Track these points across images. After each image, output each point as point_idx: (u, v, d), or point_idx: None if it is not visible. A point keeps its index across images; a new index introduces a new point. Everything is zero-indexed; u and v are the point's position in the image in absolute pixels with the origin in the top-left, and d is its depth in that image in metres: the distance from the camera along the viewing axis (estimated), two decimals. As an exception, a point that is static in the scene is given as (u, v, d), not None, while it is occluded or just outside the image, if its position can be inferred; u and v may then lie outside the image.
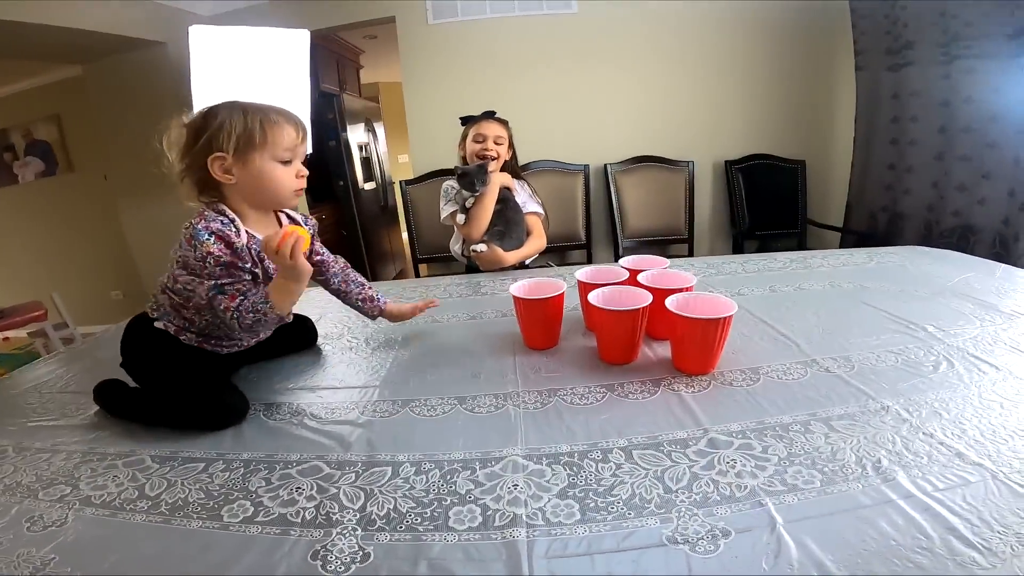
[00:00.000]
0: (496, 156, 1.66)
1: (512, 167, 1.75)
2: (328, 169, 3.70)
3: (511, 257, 1.63)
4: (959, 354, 0.88)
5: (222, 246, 0.82)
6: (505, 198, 1.63)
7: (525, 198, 1.73)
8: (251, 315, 0.81)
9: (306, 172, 0.91)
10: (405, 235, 2.90)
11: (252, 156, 0.85)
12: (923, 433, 0.67)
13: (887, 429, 0.69)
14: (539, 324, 1.00)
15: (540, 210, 1.75)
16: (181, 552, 0.57)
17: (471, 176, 1.55)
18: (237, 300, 0.82)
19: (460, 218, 1.61)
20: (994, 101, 1.89)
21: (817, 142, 2.71)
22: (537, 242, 1.72)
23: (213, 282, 0.82)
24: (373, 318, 1.13)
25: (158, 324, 0.90)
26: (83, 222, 3.30)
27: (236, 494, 0.66)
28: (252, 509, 0.63)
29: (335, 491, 0.65)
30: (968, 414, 0.71)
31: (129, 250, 3.07)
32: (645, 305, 0.87)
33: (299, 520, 0.60)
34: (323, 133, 3.57)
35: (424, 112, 2.66)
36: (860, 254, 1.51)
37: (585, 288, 1.01)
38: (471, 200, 1.58)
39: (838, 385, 0.81)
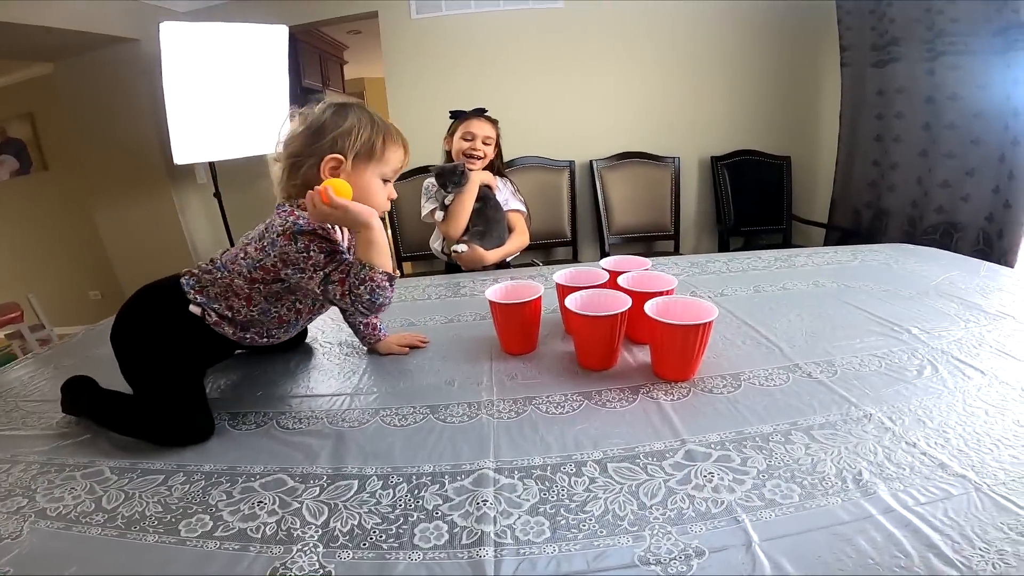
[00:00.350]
0: (483, 156, 1.65)
1: (496, 165, 1.73)
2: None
3: (492, 256, 1.61)
4: (943, 358, 0.87)
5: (320, 234, 0.81)
6: (485, 196, 1.61)
7: (507, 196, 1.72)
8: (362, 287, 0.78)
9: (395, 195, 0.92)
10: (389, 232, 2.86)
11: (365, 167, 0.85)
12: (906, 443, 0.66)
13: (869, 439, 0.67)
14: (516, 329, 0.97)
15: (522, 208, 1.74)
16: (137, 567, 0.56)
17: (446, 176, 1.54)
18: (347, 284, 0.79)
19: (439, 215, 1.59)
20: (979, 98, 1.89)
21: (802, 138, 2.70)
22: (519, 239, 1.70)
23: (322, 273, 0.80)
24: (364, 344, 1.07)
25: (194, 309, 0.86)
26: (59, 221, 3.23)
27: (195, 508, 0.63)
28: (211, 524, 0.60)
29: (297, 506, 0.62)
30: (952, 422, 0.69)
31: (105, 249, 3.00)
32: (623, 311, 0.85)
33: (259, 536, 0.58)
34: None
35: (407, 108, 2.61)
36: (844, 252, 1.50)
37: (563, 291, 0.99)
38: (450, 198, 1.56)
39: (820, 392, 0.79)
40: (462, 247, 1.57)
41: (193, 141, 2.13)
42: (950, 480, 0.59)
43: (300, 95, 3.28)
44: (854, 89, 2.38)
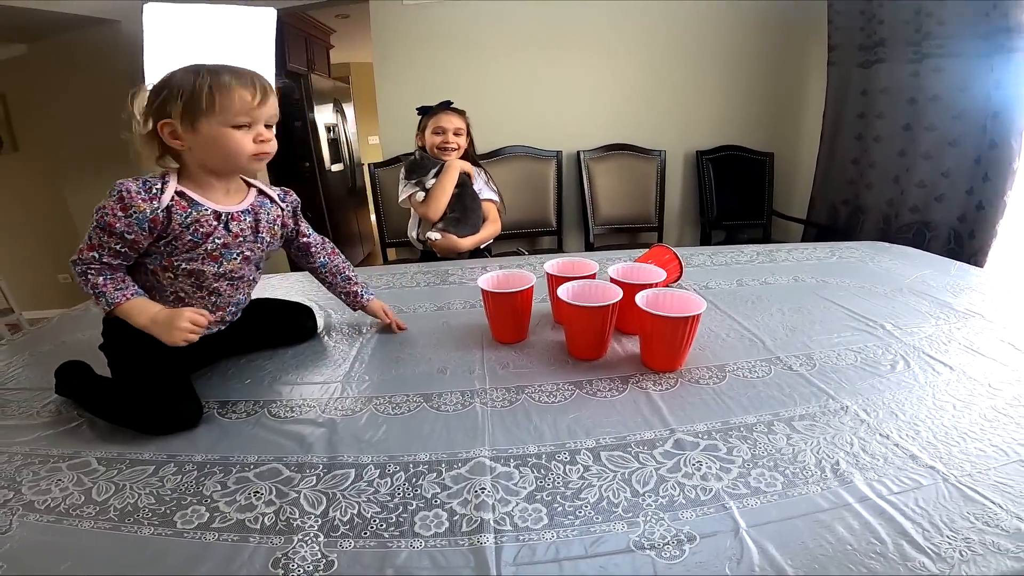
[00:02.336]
0: (456, 147, 1.69)
1: (471, 155, 1.77)
2: (294, 150, 3.58)
3: (466, 243, 1.66)
4: (915, 353, 0.91)
5: (117, 209, 0.78)
6: (463, 184, 1.66)
7: (481, 185, 1.75)
8: (90, 289, 0.80)
9: (268, 136, 0.85)
10: (373, 217, 2.84)
11: (200, 122, 0.80)
12: (880, 435, 0.69)
13: (846, 430, 0.70)
14: (508, 318, 0.99)
15: (496, 197, 1.79)
16: (134, 561, 0.55)
17: (419, 167, 1.61)
18: (91, 255, 0.79)
19: (420, 196, 1.64)
20: (959, 100, 1.94)
21: (786, 135, 2.75)
22: (492, 227, 1.76)
23: (93, 232, 0.79)
24: (354, 310, 1.12)
25: None
26: (28, 203, 3.13)
27: (189, 499, 0.63)
28: (208, 515, 0.60)
29: (295, 495, 0.63)
30: (922, 415, 0.73)
31: (77, 232, 2.92)
32: (615, 302, 0.87)
33: (258, 526, 0.58)
34: (289, 114, 3.45)
35: (395, 94, 2.58)
36: (823, 249, 1.55)
37: (554, 281, 1.00)
38: (431, 181, 1.62)
39: (800, 384, 0.82)
40: (436, 235, 1.61)
41: (172, 123, 2.07)
42: (920, 471, 0.62)
43: (285, 79, 3.23)
44: (839, 88, 2.43)
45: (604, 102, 2.66)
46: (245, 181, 0.93)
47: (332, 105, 4.02)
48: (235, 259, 0.89)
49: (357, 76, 5.32)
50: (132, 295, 0.82)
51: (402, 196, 1.70)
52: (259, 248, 0.93)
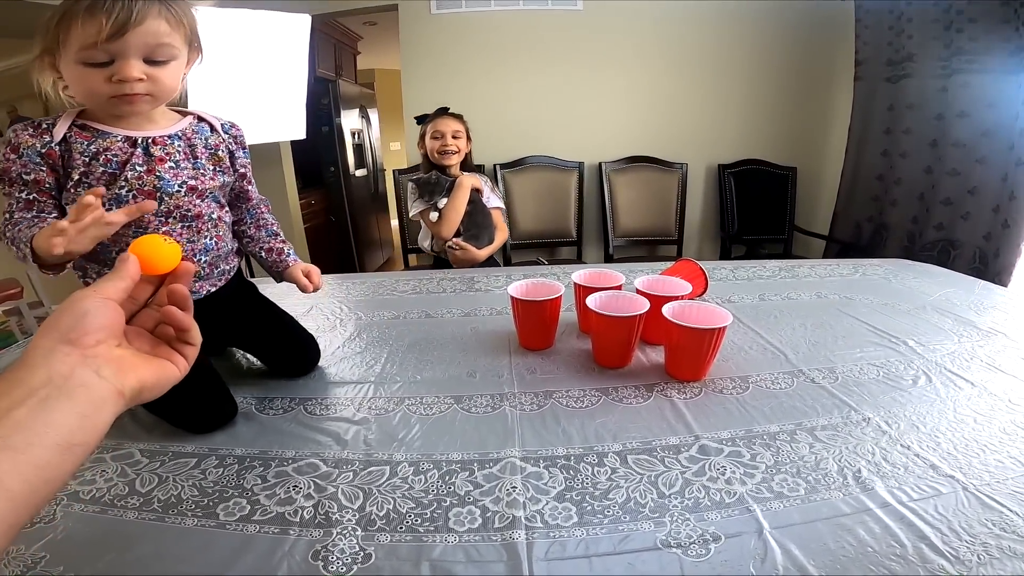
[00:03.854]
0: (456, 150, 1.72)
1: (468, 160, 1.81)
2: (319, 155, 3.66)
3: (483, 254, 1.73)
4: (937, 369, 0.92)
5: (8, 151, 0.70)
6: (474, 200, 1.69)
7: (488, 194, 1.79)
8: (14, 248, 0.68)
9: (128, 75, 0.68)
10: (395, 223, 2.89)
11: (59, 61, 0.70)
12: (901, 445, 0.71)
13: (868, 440, 0.72)
14: (536, 325, 1.01)
15: (501, 204, 1.83)
16: (178, 552, 0.56)
17: (426, 188, 1.64)
18: (4, 215, 0.70)
19: (433, 216, 1.67)
20: (988, 117, 1.93)
21: (810, 150, 2.75)
22: (502, 235, 1.81)
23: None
24: (276, 275, 0.97)
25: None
26: (63, 198, 3.24)
27: (231, 492, 0.65)
28: (249, 507, 0.62)
29: (333, 490, 0.65)
30: (943, 428, 0.74)
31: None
32: (642, 313, 0.89)
33: (298, 519, 0.60)
34: (317, 118, 3.54)
35: (421, 101, 2.63)
36: (846, 265, 1.55)
37: (581, 291, 1.03)
38: (443, 201, 1.65)
39: (822, 396, 0.84)
40: (456, 249, 1.67)
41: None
42: (940, 480, 0.64)
43: (313, 84, 3.31)
44: (866, 103, 2.43)
45: (627, 114, 2.68)
46: (177, 111, 0.83)
47: (358, 111, 4.10)
48: (178, 192, 0.77)
49: (382, 82, 5.42)
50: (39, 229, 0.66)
51: (413, 212, 1.75)
52: (205, 178, 0.80)
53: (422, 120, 1.78)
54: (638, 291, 0.98)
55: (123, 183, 0.73)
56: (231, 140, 0.86)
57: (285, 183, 3.01)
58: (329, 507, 0.62)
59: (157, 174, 0.75)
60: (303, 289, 0.94)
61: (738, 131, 2.70)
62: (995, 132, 1.93)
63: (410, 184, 1.76)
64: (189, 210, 0.79)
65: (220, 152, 0.84)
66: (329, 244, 3.76)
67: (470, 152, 1.82)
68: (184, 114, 0.82)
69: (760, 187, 2.67)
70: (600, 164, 2.64)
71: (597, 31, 2.57)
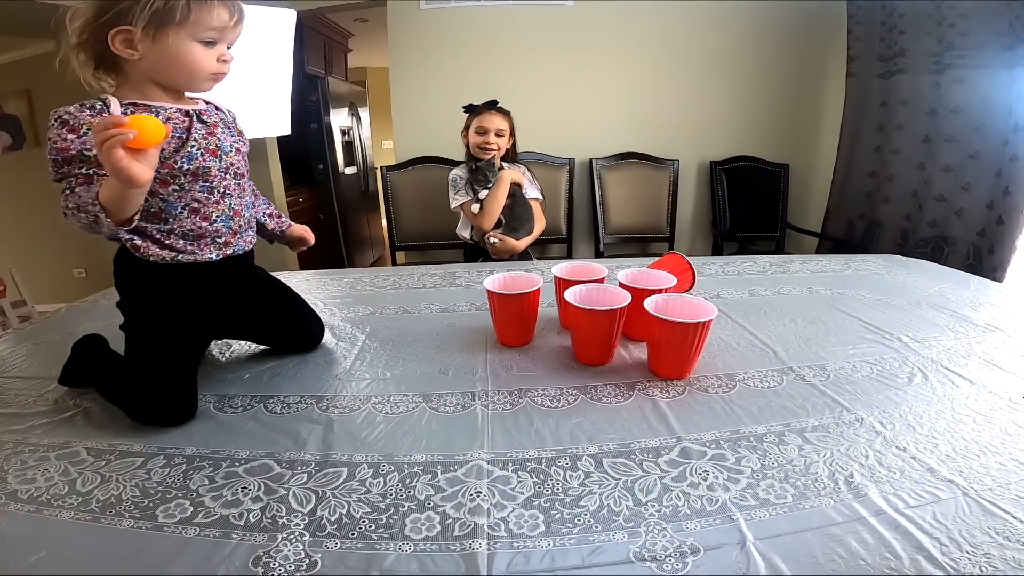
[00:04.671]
0: (497, 148, 1.72)
1: (511, 154, 1.82)
2: (308, 152, 3.60)
3: (522, 244, 1.75)
4: (933, 366, 0.87)
5: (65, 132, 0.73)
6: (514, 193, 1.71)
7: (527, 185, 1.81)
8: (83, 216, 0.69)
9: (231, 57, 0.82)
10: (384, 221, 2.84)
11: (167, 32, 0.75)
12: (896, 447, 0.66)
13: (860, 442, 0.67)
14: (513, 320, 0.96)
15: (539, 196, 1.85)
16: (111, 552, 0.53)
17: (482, 172, 1.67)
18: (66, 193, 0.71)
19: (475, 207, 1.69)
20: (981, 112, 1.90)
21: (802, 146, 2.71)
22: (540, 225, 1.81)
23: (54, 174, 0.74)
24: (271, 238, 1.08)
25: (132, 244, 0.80)
26: (48, 197, 3.15)
27: (175, 492, 0.61)
28: (191, 509, 0.59)
29: (283, 492, 0.61)
30: (941, 428, 0.70)
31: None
32: (623, 306, 0.85)
33: (242, 523, 0.56)
34: (306, 116, 3.48)
35: (410, 98, 2.59)
36: (838, 261, 1.51)
37: (562, 285, 0.98)
38: (484, 193, 1.67)
39: (813, 395, 0.79)
40: (495, 239, 1.69)
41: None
42: (939, 484, 0.59)
43: (302, 82, 3.25)
44: (858, 99, 2.39)
45: (618, 110, 2.64)
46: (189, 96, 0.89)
47: (347, 109, 4.05)
48: (230, 152, 0.86)
49: (374, 80, 5.37)
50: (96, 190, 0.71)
51: (454, 203, 1.76)
52: (240, 143, 0.90)
53: (470, 110, 1.77)
54: (620, 284, 0.94)
55: (193, 143, 0.80)
56: (233, 119, 0.95)
57: (271, 179, 2.95)
58: (277, 510, 0.58)
59: (216, 135, 0.85)
60: (307, 240, 1.09)
61: (730, 127, 2.66)
62: (988, 128, 1.89)
63: (454, 177, 1.77)
64: (239, 168, 0.89)
65: (238, 125, 0.94)
66: (318, 242, 3.68)
67: (515, 147, 1.83)
68: (194, 98, 0.89)
69: (752, 184, 2.63)
70: (591, 161, 2.59)
71: (588, 27, 2.53)
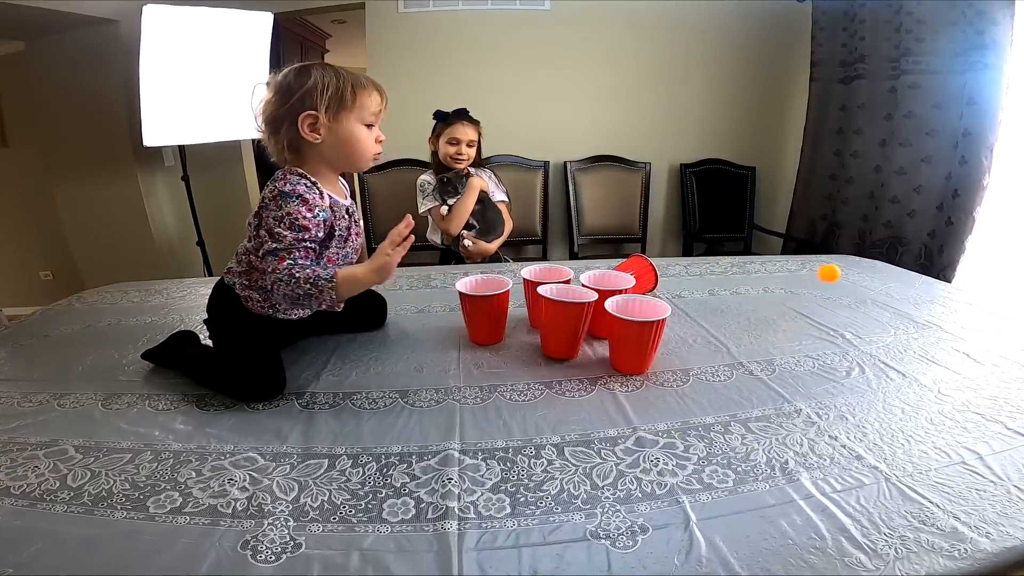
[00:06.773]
0: (467, 158, 1.78)
1: (477, 159, 1.86)
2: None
3: (493, 246, 1.83)
4: (871, 361, 0.95)
5: (303, 210, 0.83)
6: (483, 199, 1.77)
7: (493, 189, 1.86)
8: (306, 286, 0.80)
9: (384, 137, 0.94)
10: (361, 223, 2.85)
11: (341, 117, 0.87)
12: (829, 436, 0.73)
13: (797, 432, 0.74)
14: (484, 320, 1.02)
15: (506, 198, 1.91)
16: (106, 541, 0.57)
17: (452, 184, 1.72)
18: (286, 263, 0.81)
19: (444, 210, 1.75)
20: (933, 116, 1.99)
21: (769, 149, 2.81)
22: (508, 226, 1.89)
23: (275, 245, 0.82)
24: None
25: (240, 292, 0.92)
26: (14, 199, 3.10)
27: (164, 485, 0.65)
28: (180, 500, 0.62)
29: (268, 482, 0.65)
30: (871, 418, 0.77)
31: (62, 229, 2.90)
32: (591, 301, 0.91)
33: (229, 511, 0.60)
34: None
35: (389, 101, 2.61)
36: (795, 261, 1.60)
37: (531, 286, 1.03)
38: (453, 199, 1.73)
39: (759, 388, 0.86)
40: (468, 243, 1.75)
41: (165, 124, 2.08)
42: (864, 471, 0.66)
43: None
44: (820, 104, 2.48)
45: (592, 114, 2.70)
46: None
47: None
48: (350, 242, 0.96)
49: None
50: (336, 269, 0.84)
51: (423, 208, 1.81)
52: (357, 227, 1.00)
53: (439, 116, 1.79)
54: (583, 285, 0.99)
55: (352, 237, 0.95)
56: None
57: (246, 182, 2.95)
58: (262, 499, 0.62)
59: (358, 231, 0.98)
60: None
61: (699, 131, 2.75)
62: (940, 132, 1.98)
63: (423, 182, 1.82)
64: (349, 256, 0.97)
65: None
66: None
67: (480, 153, 1.88)
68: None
69: (720, 186, 2.72)
70: (565, 163, 2.65)
71: (564, 31, 2.58)
